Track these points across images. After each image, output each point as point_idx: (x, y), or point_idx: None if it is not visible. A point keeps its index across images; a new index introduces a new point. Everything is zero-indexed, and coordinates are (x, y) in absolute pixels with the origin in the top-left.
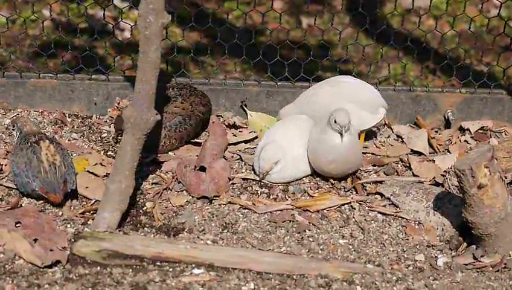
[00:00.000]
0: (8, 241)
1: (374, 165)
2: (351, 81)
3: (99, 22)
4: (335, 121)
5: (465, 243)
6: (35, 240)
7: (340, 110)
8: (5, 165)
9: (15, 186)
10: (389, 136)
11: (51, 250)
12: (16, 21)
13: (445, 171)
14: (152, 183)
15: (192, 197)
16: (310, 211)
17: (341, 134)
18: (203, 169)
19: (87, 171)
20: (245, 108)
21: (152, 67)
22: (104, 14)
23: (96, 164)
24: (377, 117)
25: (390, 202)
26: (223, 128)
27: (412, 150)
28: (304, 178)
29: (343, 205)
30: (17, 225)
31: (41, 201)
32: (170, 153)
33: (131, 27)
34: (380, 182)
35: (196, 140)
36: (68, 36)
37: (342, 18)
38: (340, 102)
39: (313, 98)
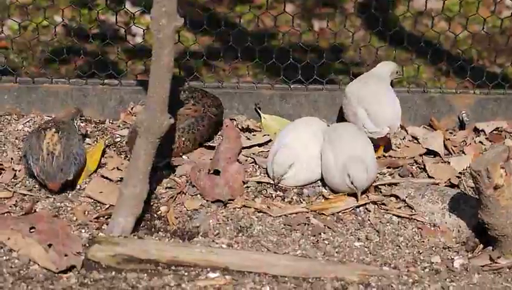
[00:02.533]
0: (23, 246)
1: (389, 167)
2: (372, 87)
3: (112, 27)
4: (352, 183)
5: (481, 245)
6: (50, 245)
7: (355, 166)
8: (19, 171)
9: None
10: (404, 138)
11: (66, 255)
12: (28, 27)
13: (460, 172)
14: (166, 188)
15: (207, 201)
16: (325, 214)
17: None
18: (217, 173)
19: (102, 176)
20: (259, 111)
21: (165, 71)
22: (116, 18)
23: (114, 168)
24: (378, 132)
25: (406, 204)
26: (236, 132)
27: (426, 151)
28: (319, 181)
29: (358, 207)
30: (31, 231)
31: (55, 206)
32: (184, 157)
33: (143, 32)
34: (395, 184)
35: (210, 144)
36: (80, 42)
37: (353, 21)
38: (354, 102)
39: (353, 86)
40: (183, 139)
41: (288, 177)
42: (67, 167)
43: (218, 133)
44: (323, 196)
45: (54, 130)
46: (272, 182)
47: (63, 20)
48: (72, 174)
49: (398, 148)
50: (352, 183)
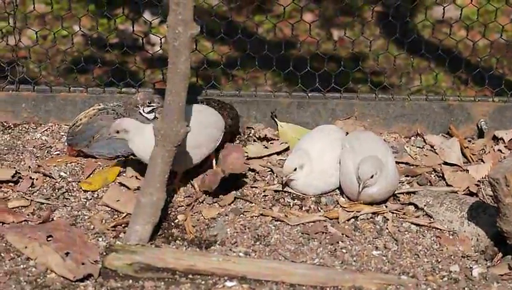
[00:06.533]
0: (40, 255)
1: (407, 176)
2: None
3: (131, 37)
4: (359, 177)
5: (500, 254)
6: (67, 253)
7: (365, 161)
8: (36, 180)
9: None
10: (423, 147)
11: (83, 263)
12: (48, 37)
13: (479, 180)
14: (184, 196)
15: (222, 207)
16: (343, 222)
17: (359, 185)
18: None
19: (120, 183)
20: (275, 119)
21: (182, 79)
22: (133, 27)
23: (132, 176)
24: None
25: (424, 213)
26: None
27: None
28: (337, 189)
29: (377, 215)
30: (48, 239)
31: (73, 215)
32: None
33: (160, 40)
34: (414, 192)
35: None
36: (99, 51)
37: (372, 30)
38: None
39: None
40: None
41: (299, 181)
42: (78, 137)
43: (233, 141)
44: (340, 204)
45: (100, 106)
46: (287, 189)
47: (80, 29)
48: (76, 143)
49: (418, 156)
50: (359, 177)
